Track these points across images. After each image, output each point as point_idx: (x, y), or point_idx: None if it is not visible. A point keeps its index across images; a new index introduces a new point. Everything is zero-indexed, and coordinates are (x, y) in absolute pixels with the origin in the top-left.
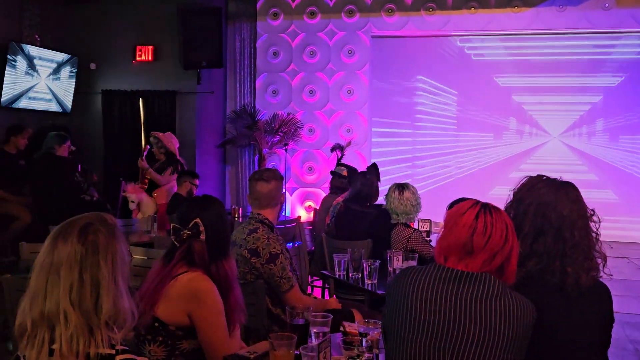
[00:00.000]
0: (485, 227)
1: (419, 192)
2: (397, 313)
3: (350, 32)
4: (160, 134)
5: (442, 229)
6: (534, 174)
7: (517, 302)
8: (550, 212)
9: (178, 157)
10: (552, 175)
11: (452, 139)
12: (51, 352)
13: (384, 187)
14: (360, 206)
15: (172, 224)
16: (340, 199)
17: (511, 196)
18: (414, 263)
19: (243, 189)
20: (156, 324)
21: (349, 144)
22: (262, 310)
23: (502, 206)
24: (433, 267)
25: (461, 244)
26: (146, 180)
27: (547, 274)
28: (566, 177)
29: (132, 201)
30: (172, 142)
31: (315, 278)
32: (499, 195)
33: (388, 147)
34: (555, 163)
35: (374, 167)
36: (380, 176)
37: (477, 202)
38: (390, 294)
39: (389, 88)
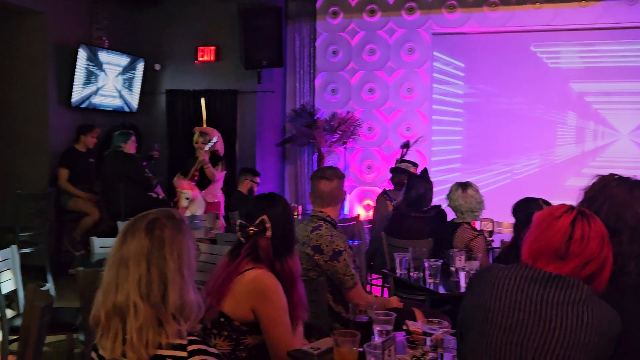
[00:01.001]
0: (583, 235)
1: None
2: (480, 308)
3: (410, 29)
4: (209, 129)
5: (532, 230)
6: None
7: (603, 311)
8: (624, 211)
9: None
10: (624, 174)
11: (515, 138)
12: (124, 341)
13: (443, 186)
14: (421, 212)
15: (238, 220)
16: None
17: (582, 195)
18: (477, 263)
19: (302, 187)
20: (222, 319)
21: (416, 140)
22: (323, 308)
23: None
24: (520, 266)
25: (554, 248)
26: (195, 177)
27: (621, 276)
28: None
29: (188, 198)
30: (219, 138)
31: (374, 276)
32: (565, 195)
33: (448, 146)
34: (624, 162)
35: (426, 172)
36: (440, 175)
37: (572, 207)
38: (473, 289)
39: (450, 85)
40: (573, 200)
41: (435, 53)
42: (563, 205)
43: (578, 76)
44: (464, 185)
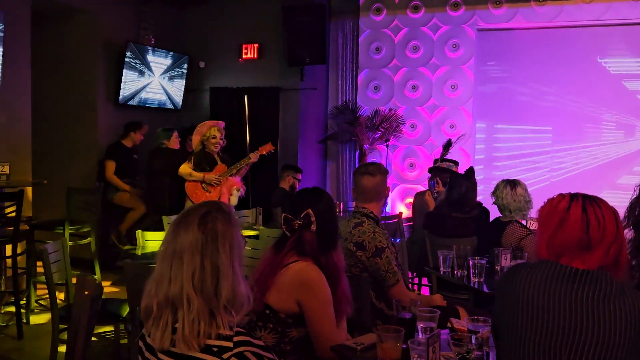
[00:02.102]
0: (598, 220)
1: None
2: (510, 312)
3: (455, 25)
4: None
5: (544, 227)
6: None
7: (637, 302)
8: None
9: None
10: None
11: (562, 135)
12: (174, 331)
13: (486, 185)
14: (462, 212)
15: (283, 214)
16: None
17: (637, 192)
18: (523, 262)
19: (343, 184)
20: (267, 311)
21: (457, 139)
22: (366, 304)
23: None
24: (546, 264)
25: (576, 241)
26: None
27: None
28: None
29: (238, 190)
30: None
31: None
32: (616, 193)
33: (493, 144)
34: None
35: (471, 171)
36: (484, 174)
37: (571, 195)
38: (501, 291)
39: (494, 82)
40: (626, 197)
41: (480, 49)
42: (561, 195)
43: (630, 73)
44: (513, 183)
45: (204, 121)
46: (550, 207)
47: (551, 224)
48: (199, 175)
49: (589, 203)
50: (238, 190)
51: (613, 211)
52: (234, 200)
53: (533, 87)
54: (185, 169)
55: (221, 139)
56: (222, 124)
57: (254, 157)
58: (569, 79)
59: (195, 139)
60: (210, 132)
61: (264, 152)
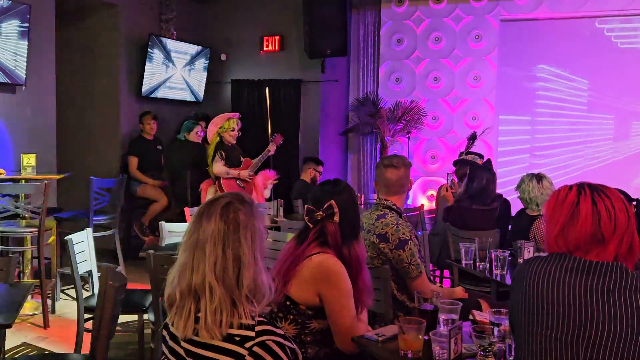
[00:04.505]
0: (608, 212)
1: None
2: (524, 306)
3: (477, 16)
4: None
5: (552, 220)
6: None
7: None
8: None
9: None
10: None
11: (586, 127)
12: (196, 320)
13: (509, 177)
14: (483, 204)
15: (305, 206)
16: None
17: None
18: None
19: (364, 176)
20: (288, 303)
21: (483, 132)
22: (387, 296)
23: None
24: (559, 257)
25: (589, 236)
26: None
27: None
28: None
29: (272, 183)
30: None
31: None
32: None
33: (515, 136)
34: None
35: (489, 162)
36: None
37: (578, 186)
38: (515, 286)
39: (518, 74)
40: None
41: (503, 40)
42: (567, 187)
43: None
44: (538, 177)
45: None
46: (558, 201)
47: (560, 218)
48: (234, 172)
49: (597, 195)
50: (272, 183)
51: (621, 199)
52: (267, 193)
53: (559, 79)
54: (220, 167)
55: (238, 131)
56: (237, 115)
57: (272, 149)
58: (594, 70)
59: (211, 130)
60: (230, 125)
61: (278, 144)
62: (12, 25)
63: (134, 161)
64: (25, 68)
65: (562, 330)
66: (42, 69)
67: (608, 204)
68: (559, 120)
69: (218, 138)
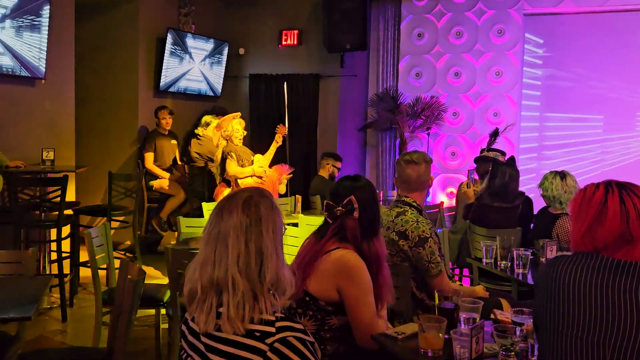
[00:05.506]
0: (637, 211)
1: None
2: (550, 306)
3: (500, 10)
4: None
5: (579, 219)
6: None
7: None
8: None
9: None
10: None
11: (610, 125)
12: (218, 315)
13: (531, 175)
14: (505, 201)
15: (325, 201)
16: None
17: None
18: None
19: (383, 173)
20: (307, 298)
21: (505, 128)
22: (407, 294)
23: None
24: (586, 256)
25: (617, 236)
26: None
27: None
28: None
29: (288, 177)
30: None
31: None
32: None
33: (538, 133)
34: None
35: (513, 159)
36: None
37: (605, 184)
38: (540, 285)
39: (541, 69)
40: None
41: (526, 35)
42: (594, 185)
43: None
44: (562, 174)
45: (243, 108)
46: (584, 199)
47: (587, 216)
48: (248, 171)
49: (626, 193)
50: (288, 177)
51: None
52: (282, 188)
53: (582, 74)
54: (234, 168)
55: (244, 130)
56: (239, 114)
57: (279, 139)
58: (620, 65)
59: (215, 136)
60: (233, 126)
61: (283, 134)
62: (32, 19)
63: (149, 156)
64: (45, 61)
65: (589, 330)
66: (61, 63)
67: (637, 202)
68: (584, 116)
69: (225, 141)
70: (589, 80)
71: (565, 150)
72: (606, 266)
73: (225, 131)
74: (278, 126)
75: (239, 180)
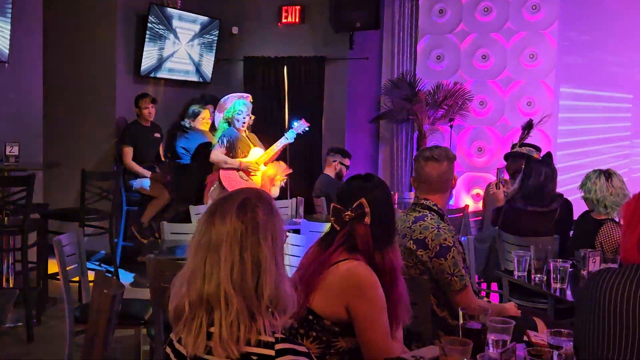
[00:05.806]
0: None
1: None
2: (593, 327)
3: None
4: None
5: (631, 228)
6: None
7: None
8: None
9: None
10: None
11: None
12: (209, 336)
13: (570, 174)
14: (540, 205)
15: (332, 205)
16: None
17: None
18: (615, 267)
19: (399, 171)
20: (310, 317)
21: (540, 120)
22: (426, 312)
23: None
24: (637, 269)
25: None
26: None
27: None
28: None
29: (283, 179)
30: None
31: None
32: None
33: (579, 125)
34: None
35: (549, 156)
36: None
37: None
38: (582, 302)
39: (583, 51)
40: None
41: (565, 12)
42: None
43: None
44: (607, 174)
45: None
46: (638, 203)
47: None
48: (234, 162)
49: None
50: (283, 179)
51: None
52: (275, 191)
53: (628, 57)
54: (218, 155)
55: (247, 115)
56: (248, 96)
57: (290, 137)
58: None
59: (218, 117)
60: (235, 107)
61: (300, 131)
62: None
63: (127, 151)
64: (8, 41)
65: (637, 355)
66: (27, 46)
67: None
68: (632, 107)
69: (226, 124)
70: (636, 63)
71: (612, 145)
72: None
73: (226, 111)
74: (298, 120)
75: (220, 172)
